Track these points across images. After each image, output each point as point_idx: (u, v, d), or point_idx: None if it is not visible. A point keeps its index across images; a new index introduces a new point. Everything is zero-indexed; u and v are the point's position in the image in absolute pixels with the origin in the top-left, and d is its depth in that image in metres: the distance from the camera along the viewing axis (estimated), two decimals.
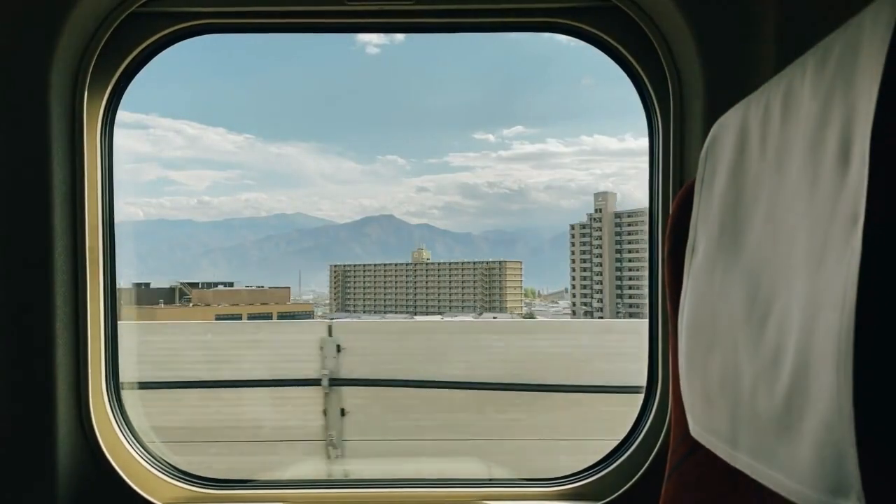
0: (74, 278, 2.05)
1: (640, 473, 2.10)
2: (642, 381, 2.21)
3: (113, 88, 2.13)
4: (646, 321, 2.22)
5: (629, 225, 11.05)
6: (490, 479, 2.30)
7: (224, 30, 2.21)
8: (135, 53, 2.12)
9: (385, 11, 2.15)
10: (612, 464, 2.21)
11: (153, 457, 2.22)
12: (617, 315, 10.79)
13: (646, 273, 2.24)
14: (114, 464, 2.09)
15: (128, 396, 2.23)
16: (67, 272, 2.02)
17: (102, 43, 2.04)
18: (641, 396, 2.22)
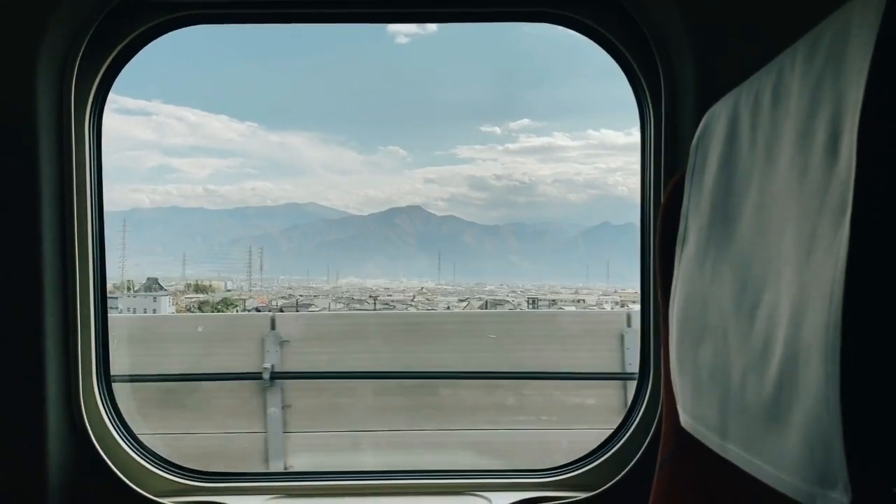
0: (63, 269, 2.03)
1: (631, 464, 2.09)
2: None
3: (101, 79, 2.11)
4: None
5: None
6: (482, 470, 2.29)
7: (214, 20, 2.19)
8: (124, 44, 2.10)
9: (373, 1, 2.13)
10: (603, 454, 2.21)
11: (144, 449, 2.21)
12: None
13: None
14: (104, 456, 2.09)
15: None
16: (56, 263, 2.01)
17: (91, 33, 2.02)
18: None
